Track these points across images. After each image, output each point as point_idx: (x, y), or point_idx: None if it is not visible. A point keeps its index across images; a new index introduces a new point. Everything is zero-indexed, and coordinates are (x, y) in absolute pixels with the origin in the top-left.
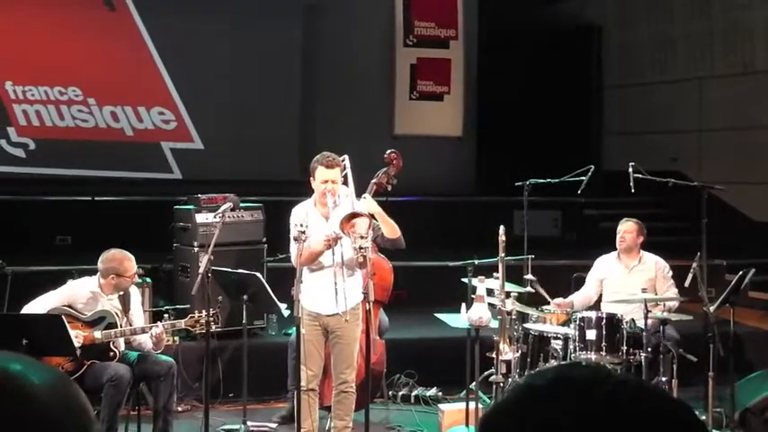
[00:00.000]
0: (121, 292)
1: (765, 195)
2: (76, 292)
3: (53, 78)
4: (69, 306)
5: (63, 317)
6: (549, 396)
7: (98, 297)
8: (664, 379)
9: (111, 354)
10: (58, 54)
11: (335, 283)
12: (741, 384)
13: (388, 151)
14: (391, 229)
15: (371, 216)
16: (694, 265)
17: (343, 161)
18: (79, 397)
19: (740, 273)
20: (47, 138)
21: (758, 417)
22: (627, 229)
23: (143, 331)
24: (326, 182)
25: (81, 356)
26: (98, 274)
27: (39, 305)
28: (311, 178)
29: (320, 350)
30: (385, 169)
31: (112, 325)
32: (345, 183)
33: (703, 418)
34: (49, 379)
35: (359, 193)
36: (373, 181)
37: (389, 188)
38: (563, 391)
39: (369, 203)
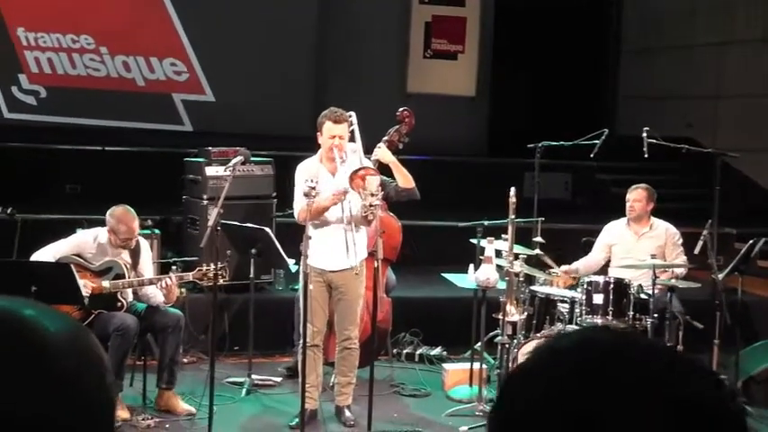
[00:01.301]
0: (128, 246)
1: None
2: (86, 242)
3: (65, 26)
4: (78, 255)
5: (72, 266)
6: (574, 359)
7: (107, 248)
8: (669, 345)
9: (119, 304)
10: (70, 2)
11: (346, 239)
12: (746, 353)
13: (401, 109)
14: (405, 179)
15: (380, 172)
16: (705, 232)
17: (350, 117)
18: (95, 346)
19: (750, 241)
20: (58, 86)
21: (762, 385)
22: (636, 197)
23: (151, 282)
24: (334, 137)
25: (89, 306)
26: None
27: (48, 253)
28: (318, 133)
29: (324, 306)
30: (397, 127)
31: (120, 275)
32: (352, 139)
33: None
34: (63, 326)
35: (369, 149)
36: (385, 138)
37: (401, 146)
38: (590, 354)
39: (383, 152)
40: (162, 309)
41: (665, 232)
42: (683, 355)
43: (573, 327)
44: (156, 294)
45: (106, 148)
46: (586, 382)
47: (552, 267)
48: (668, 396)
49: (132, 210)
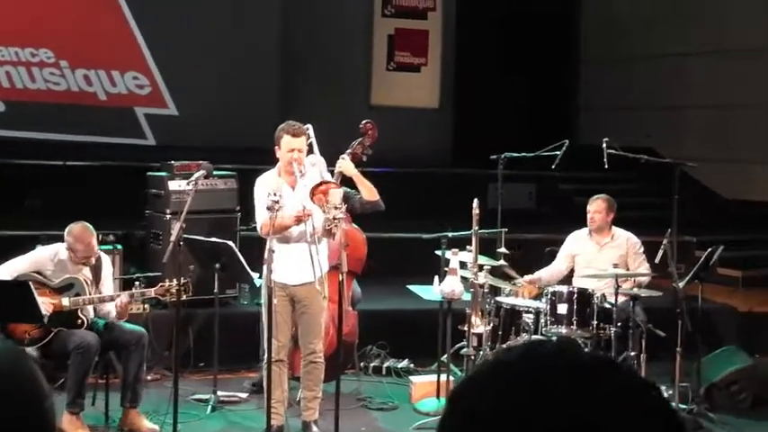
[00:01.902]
0: (88, 264)
1: (736, 173)
2: (45, 258)
3: (24, 39)
4: (38, 272)
5: (30, 283)
6: (516, 371)
7: (67, 264)
8: (633, 353)
9: (80, 321)
10: (29, 15)
11: (305, 253)
12: (708, 360)
13: (364, 121)
14: (369, 191)
15: (342, 185)
16: (665, 241)
17: (307, 130)
18: (33, 371)
19: (709, 249)
20: (17, 100)
21: (724, 391)
22: (596, 208)
23: (112, 299)
24: (293, 150)
25: (48, 323)
26: None
27: (6, 270)
28: (276, 147)
29: (288, 321)
30: (360, 139)
31: (81, 292)
32: (311, 151)
33: (670, 392)
34: (1, 353)
35: (333, 161)
36: (348, 151)
37: (365, 159)
38: (530, 365)
39: (346, 165)
40: (122, 326)
41: (626, 242)
42: (621, 364)
43: (538, 337)
44: (111, 310)
45: (67, 163)
46: (532, 392)
47: (516, 278)
48: (601, 404)
49: (90, 226)
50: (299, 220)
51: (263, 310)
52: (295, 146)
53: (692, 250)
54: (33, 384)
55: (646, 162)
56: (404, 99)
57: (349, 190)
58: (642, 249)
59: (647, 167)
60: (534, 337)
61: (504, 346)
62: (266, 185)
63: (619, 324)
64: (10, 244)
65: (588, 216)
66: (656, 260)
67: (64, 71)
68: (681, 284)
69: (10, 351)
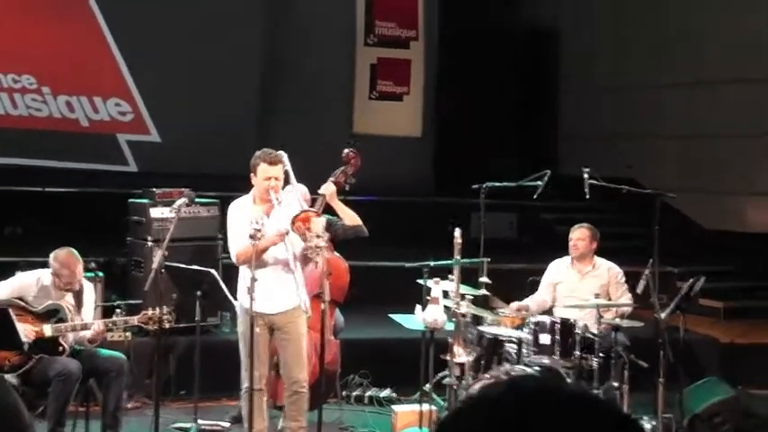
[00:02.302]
0: (72, 290)
1: (716, 204)
2: (28, 284)
3: (6, 66)
4: (20, 298)
5: (9, 310)
6: (499, 406)
7: (50, 290)
8: (615, 384)
9: (61, 348)
10: (11, 41)
11: (283, 280)
12: (690, 391)
13: (346, 150)
14: (350, 218)
15: (323, 213)
16: (646, 271)
17: (282, 157)
18: (14, 401)
19: (691, 280)
20: (0, 126)
21: (706, 423)
22: (579, 236)
23: (84, 327)
24: (269, 178)
25: (29, 350)
26: None
27: None
28: (252, 175)
29: (266, 350)
30: (342, 168)
31: (64, 319)
32: (287, 179)
33: (653, 423)
34: None
35: (315, 189)
36: (330, 179)
37: (347, 188)
38: (513, 401)
39: (329, 188)
40: (103, 353)
41: (607, 271)
42: (601, 400)
43: (520, 367)
44: (85, 334)
45: (47, 189)
46: (515, 428)
47: (501, 307)
48: None
49: (76, 253)
50: (277, 241)
51: (240, 340)
52: (272, 174)
53: (674, 281)
54: (14, 414)
55: (626, 192)
56: (386, 128)
57: (331, 217)
58: (624, 279)
59: (628, 198)
60: (517, 367)
61: (488, 375)
62: (241, 212)
63: (601, 354)
64: None
65: (571, 243)
66: (639, 290)
67: (46, 97)
68: (663, 315)
69: None
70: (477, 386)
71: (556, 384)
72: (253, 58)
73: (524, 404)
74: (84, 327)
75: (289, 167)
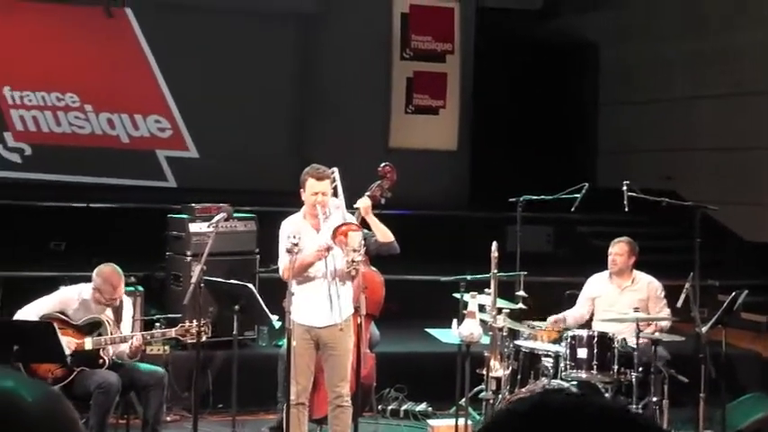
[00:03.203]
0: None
1: (758, 216)
2: (69, 298)
3: (51, 84)
4: (61, 312)
5: (55, 324)
6: (528, 422)
7: (89, 305)
8: (655, 399)
9: (101, 361)
10: (56, 60)
11: (329, 294)
12: (732, 407)
13: (383, 164)
14: (383, 234)
15: (361, 226)
16: (687, 285)
17: (332, 173)
18: (70, 414)
19: (733, 294)
20: (43, 143)
21: None
22: (618, 251)
23: (123, 340)
24: (317, 194)
25: (71, 363)
26: None
27: (31, 311)
28: (301, 190)
29: (310, 364)
30: (379, 182)
31: (104, 332)
32: (335, 195)
33: None
34: (40, 396)
35: (353, 204)
36: (367, 194)
37: (383, 201)
38: (542, 418)
39: (364, 202)
40: (143, 366)
41: (647, 286)
42: (636, 416)
43: (557, 381)
44: (124, 350)
45: (90, 205)
46: None
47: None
48: None
49: (120, 270)
50: (319, 257)
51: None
52: (319, 189)
53: (715, 294)
54: (71, 425)
55: (666, 205)
56: (422, 142)
57: (367, 231)
58: (663, 294)
59: (668, 210)
60: (554, 381)
61: (524, 390)
62: (289, 228)
63: (640, 369)
64: (34, 285)
65: (610, 258)
66: (679, 304)
67: (88, 115)
68: (704, 329)
69: (48, 395)
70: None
71: (589, 399)
72: (289, 73)
73: (553, 421)
74: (124, 339)
75: (338, 183)
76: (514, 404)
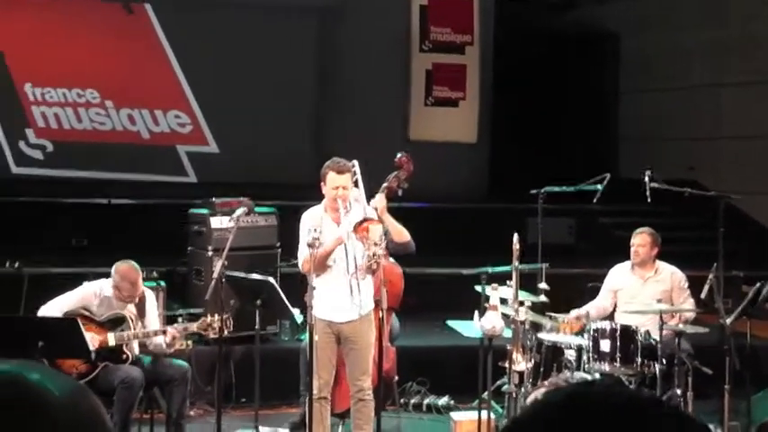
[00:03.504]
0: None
1: None
2: (91, 294)
3: (71, 81)
4: (84, 308)
5: (78, 320)
6: (563, 413)
7: (112, 300)
8: (679, 391)
9: (124, 356)
10: (76, 57)
11: (351, 288)
12: (758, 398)
13: (399, 154)
14: (398, 233)
15: (382, 222)
16: (711, 276)
17: (353, 167)
18: (97, 407)
19: (757, 284)
20: (64, 140)
21: None
22: (640, 242)
23: (155, 334)
24: (337, 188)
25: (95, 358)
26: None
27: (54, 307)
28: (322, 184)
29: (332, 358)
30: (396, 173)
31: (126, 328)
32: (356, 188)
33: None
34: (66, 389)
35: (370, 198)
36: (384, 185)
37: (400, 192)
38: (576, 408)
39: (381, 202)
40: (167, 361)
41: (670, 277)
42: (668, 406)
43: (580, 374)
44: (161, 342)
45: (112, 201)
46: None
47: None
48: None
49: (136, 265)
50: (337, 243)
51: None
52: (339, 183)
53: (739, 285)
54: (99, 419)
55: (689, 195)
56: (442, 134)
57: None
58: (687, 284)
59: (690, 200)
60: (577, 374)
61: (547, 383)
62: (309, 220)
63: (664, 361)
64: (57, 281)
65: (632, 249)
66: (702, 295)
67: (109, 111)
68: (728, 320)
69: (75, 388)
70: (538, 393)
71: (619, 390)
72: (308, 67)
73: (587, 411)
74: (147, 335)
75: (359, 177)
76: (548, 395)
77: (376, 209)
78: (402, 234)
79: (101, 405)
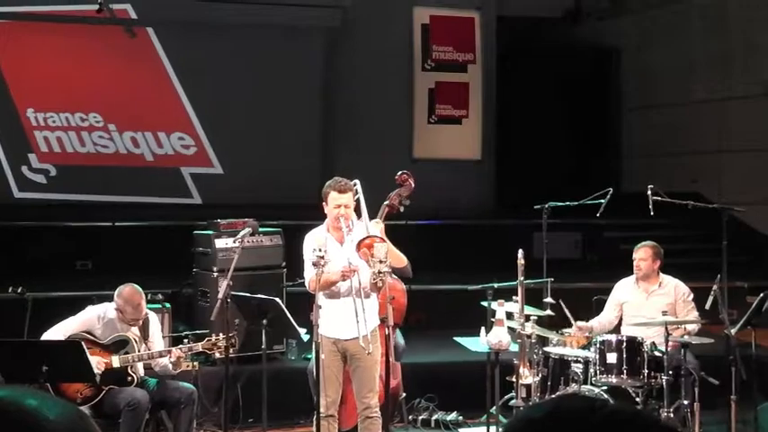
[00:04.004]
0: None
1: None
2: (95, 317)
3: (74, 105)
4: (87, 331)
5: (83, 343)
6: (544, 428)
7: (115, 323)
8: (686, 402)
9: (129, 379)
10: (78, 81)
11: (355, 307)
12: (764, 408)
13: (400, 172)
14: (397, 259)
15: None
16: (715, 287)
17: (354, 185)
18: (94, 430)
19: (761, 294)
20: (68, 164)
21: None
22: (642, 256)
23: (160, 355)
24: (339, 206)
25: (99, 382)
26: None
27: (58, 331)
28: (324, 203)
29: (339, 376)
30: (397, 190)
31: (131, 350)
32: (358, 207)
33: None
34: (63, 414)
35: (371, 217)
36: (385, 203)
37: (402, 210)
38: (558, 422)
39: (377, 227)
40: (173, 383)
41: (674, 289)
42: (652, 418)
43: (588, 387)
44: (167, 363)
45: (116, 224)
46: None
47: (570, 319)
48: None
49: (140, 288)
50: (344, 277)
51: (320, 367)
52: (341, 202)
53: (744, 296)
54: None
55: (692, 207)
56: (446, 151)
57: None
58: (691, 297)
59: (694, 213)
60: (584, 387)
61: (554, 396)
62: (313, 241)
63: (670, 372)
64: (62, 305)
65: (634, 263)
66: (707, 306)
67: (112, 134)
68: (733, 331)
69: (72, 413)
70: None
71: (600, 403)
72: (313, 86)
73: (566, 424)
74: (151, 356)
75: (361, 196)
76: (530, 410)
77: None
78: (400, 259)
79: (97, 428)
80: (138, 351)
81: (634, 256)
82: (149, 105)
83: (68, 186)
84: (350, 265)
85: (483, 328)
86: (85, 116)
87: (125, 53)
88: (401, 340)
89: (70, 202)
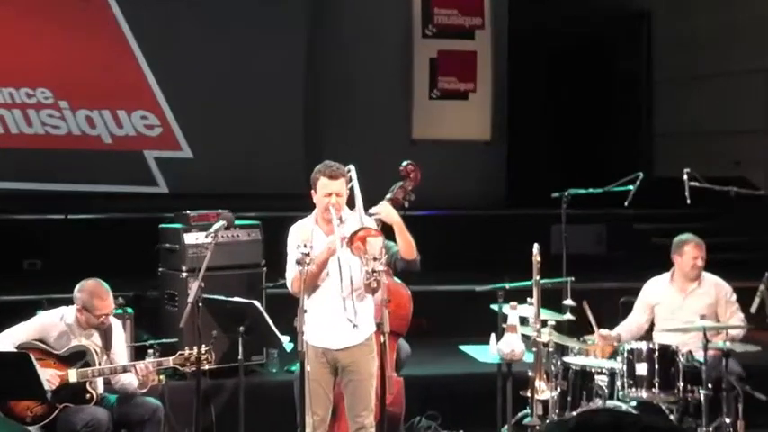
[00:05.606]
0: (100, 328)
1: None
2: (50, 324)
3: (18, 79)
4: (41, 340)
5: (31, 354)
6: None
7: (73, 330)
8: (728, 420)
9: (88, 396)
10: (24, 52)
11: (346, 311)
12: None
13: (405, 163)
14: (408, 248)
15: (381, 232)
16: (762, 286)
17: (348, 172)
18: None
19: None
20: (12, 147)
21: None
22: (702, 254)
23: (125, 370)
24: (330, 195)
25: (53, 399)
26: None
27: (6, 340)
28: (312, 191)
29: (328, 390)
30: (401, 183)
31: (90, 362)
32: (352, 195)
33: None
34: None
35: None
36: (388, 197)
37: (406, 204)
38: None
39: (387, 210)
40: (136, 399)
41: (714, 288)
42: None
43: (614, 402)
44: (131, 381)
45: (69, 216)
46: None
47: (593, 325)
48: None
49: (105, 283)
50: (331, 251)
51: (305, 380)
52: (332, 189)
53: None
54: None
55: (735, 195)
56: (450, 131)
57: (388, 242)
58: (735, 298)
59: (737, 201)
60: (609, 402)
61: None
62: (298, 234)
63: (709, 385)
64: (8, 310)
65: (688, 261)
66: (752, 309)
67: (64, 113)
68: None
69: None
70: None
71: (631, 418)
72: (297, 55)
73: None
74: (114, 370)
75: (355, 183)
76: (549, 427)
77: (380, 220)
78: (411, 249)
79: None
80: (99, 364)
81: (687, 250)
82: (107, 80)
83: (13, 173)
84: (341, 243)
85: (493, 336)
86: (32, 92)
87: (78, 19)
88: (407, 347)
89: (15, 192)
